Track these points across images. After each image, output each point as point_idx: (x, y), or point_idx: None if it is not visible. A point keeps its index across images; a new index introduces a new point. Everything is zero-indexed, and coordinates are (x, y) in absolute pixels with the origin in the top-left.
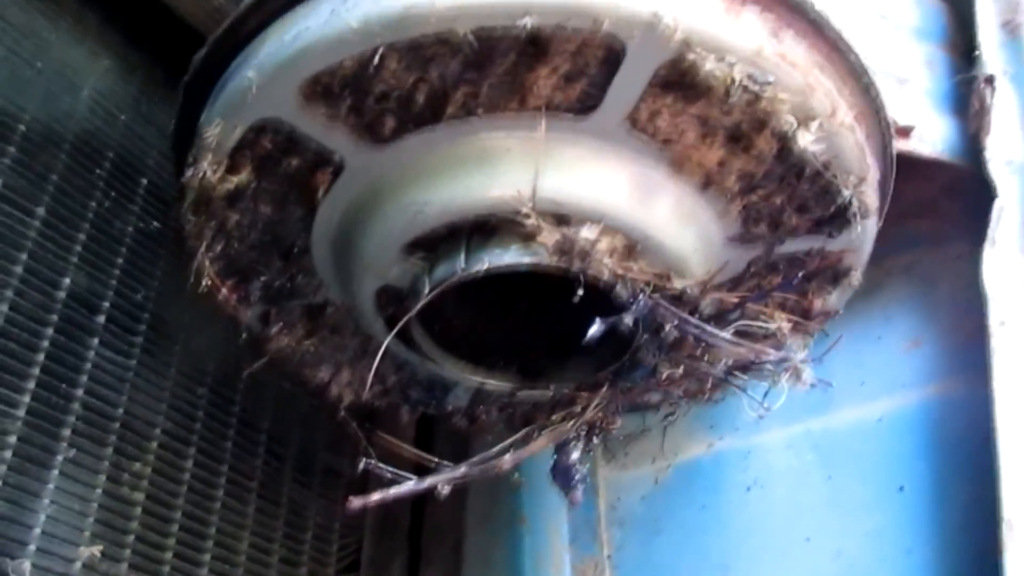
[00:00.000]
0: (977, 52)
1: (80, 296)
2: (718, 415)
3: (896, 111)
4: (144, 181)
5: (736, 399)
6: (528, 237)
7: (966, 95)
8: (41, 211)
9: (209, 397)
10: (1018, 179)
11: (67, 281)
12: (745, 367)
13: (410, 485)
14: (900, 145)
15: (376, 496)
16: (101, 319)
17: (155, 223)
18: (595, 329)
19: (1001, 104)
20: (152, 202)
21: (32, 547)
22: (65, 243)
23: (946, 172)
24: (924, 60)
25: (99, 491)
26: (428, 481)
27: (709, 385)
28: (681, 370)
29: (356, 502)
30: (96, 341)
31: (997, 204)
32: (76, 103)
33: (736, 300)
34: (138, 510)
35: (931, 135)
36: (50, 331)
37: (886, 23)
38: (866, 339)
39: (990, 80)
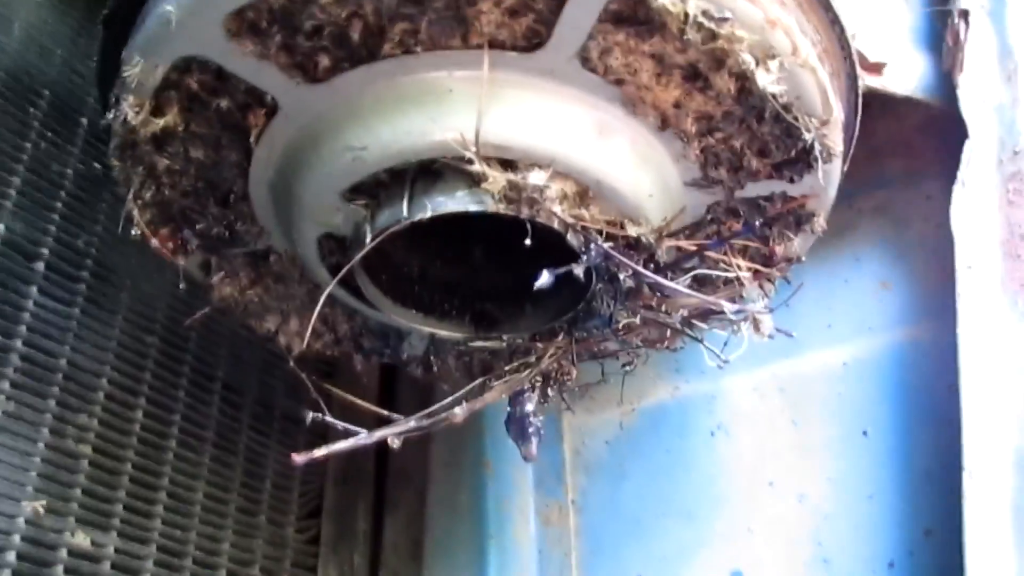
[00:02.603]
0: None
1: (15, 243)
2: (684, 358)
3: (869, 46)
4: (84, 121)
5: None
6: (474, 182)
7: (942, 30)
8: None
9: (159, 346)
10: (993, 118)
11: (1, 227)
12: (704, 316)
13: (360, 438)
14: (872, 82)
15: (321, 451)
16: (40, 266)
17: (96, 165)
18: (543, 279)
19: (977, 41)
20: (93, 143)
21: None
22: None
23: (920, 110)
24: None
25: (41, 444)
26: (377, 435)
27: (668, 334)
28: (639, 319)
29: (300, 458)
30: (35, 289)
31: (968, 145)
32: (8, 38)
33: (694, 248)
34: (84, 463)
35: (905, 72)
36: None
37: None
38: (835, 281)
39: (964, 15)
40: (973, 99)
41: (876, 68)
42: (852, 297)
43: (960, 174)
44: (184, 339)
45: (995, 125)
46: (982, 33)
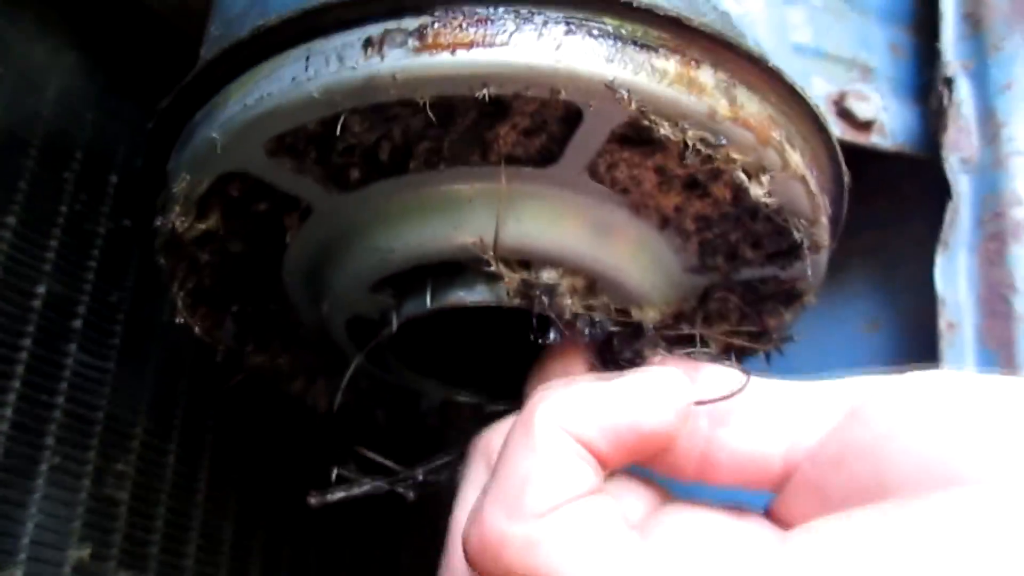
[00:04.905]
0: (939, 45)
1: (56, 304)
2: None
3: (857, 101)
4: (113, 179)
5: None
6: (492, 278)
7: (930, 84)
8: (12, 220)
9: (188, 392)
10: (970, 178)
11: (42, 289)
12: None
13: (376, 485)
14: (860, 140)
15: (337, 494)
16: (78, 324)
17: (126, 221)
18: None
19: (960, 101)
20: (122, 199)
21: (22, 556)
22: (37, 251)
23: (907, 158)
24: (887, 43)
25: (84, 494)
26: (397, 484)
27: None
28: None
29: (315, 500)
30: (74, 347)
31: (951, 206)
32: (41, 104)
33: (692, 333)
34: (123, 509)
35: (892, 126)
36: (28, 342)
37: (848, 4)
38: (828, 320)
39: (948, 82)
40: (956, 160)
41: (865, 127)
42: (843, 337)
43: (943, 235)
44: (210, 385)
45: (977, 186)
46: (965, 94)
